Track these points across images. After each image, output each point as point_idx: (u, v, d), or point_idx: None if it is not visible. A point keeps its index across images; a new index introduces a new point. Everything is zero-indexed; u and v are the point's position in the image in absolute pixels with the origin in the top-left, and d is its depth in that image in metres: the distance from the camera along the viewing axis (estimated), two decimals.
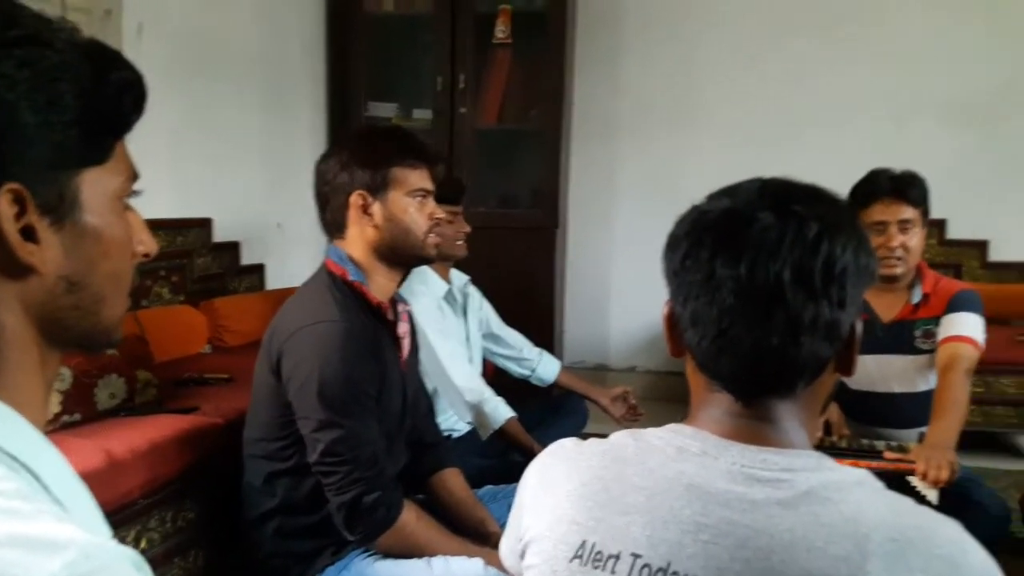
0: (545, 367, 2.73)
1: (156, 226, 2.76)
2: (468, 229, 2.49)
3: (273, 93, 3.47)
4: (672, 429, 0.82)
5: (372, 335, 1.59)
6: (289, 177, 3.40)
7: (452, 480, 1.83)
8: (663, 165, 4.02)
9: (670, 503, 0.75)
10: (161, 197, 2.85)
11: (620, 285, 4.14)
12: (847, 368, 0.83)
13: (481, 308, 2.64)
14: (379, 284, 1.65)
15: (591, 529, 0.78)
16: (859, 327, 0.82)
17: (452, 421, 2.44)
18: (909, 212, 2.29)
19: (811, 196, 0.81)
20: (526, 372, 2.73)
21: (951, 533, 0.73)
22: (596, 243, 4.14)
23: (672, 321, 0.85)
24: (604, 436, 0.86)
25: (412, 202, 1.65)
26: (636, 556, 0.75)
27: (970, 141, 3.72)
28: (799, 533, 0.71)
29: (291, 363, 1.54)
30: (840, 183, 2.43)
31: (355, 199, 1.62)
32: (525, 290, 3.64)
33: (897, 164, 2.55)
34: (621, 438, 0.83)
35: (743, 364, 0.78)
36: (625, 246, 4.11)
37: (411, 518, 1.56)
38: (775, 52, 3.89)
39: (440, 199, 2.33)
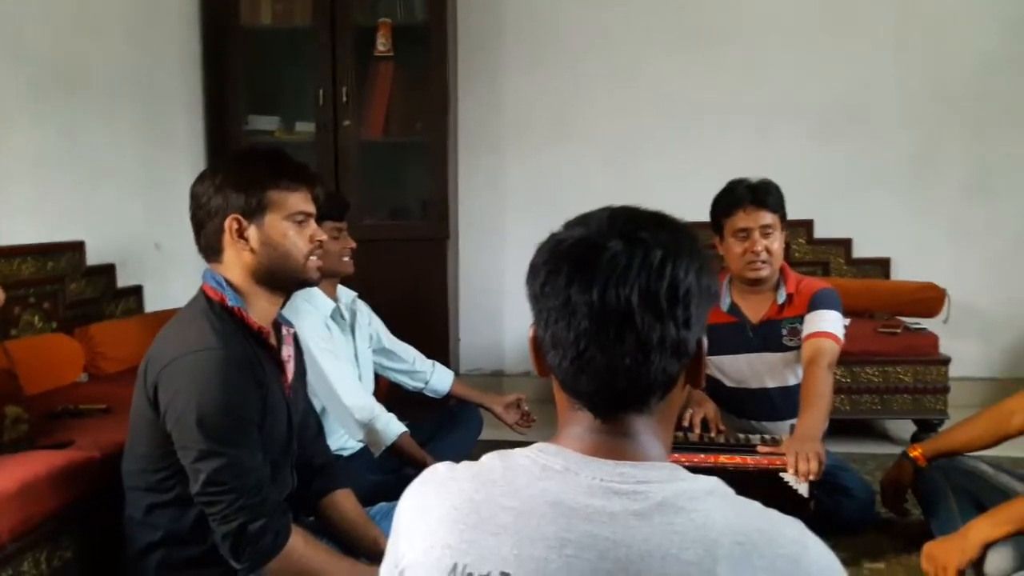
0: (438, 379, 2.75)
1: (23, 252, 2.66)
2: (353, 245, 2.48)
3: (147, 110, 3.37)
4: (538, 448, 0.85)
5: (253, 361, 1.56)
6: (167, 195, 3.30)
7: (343, 501, 1.83)
8: (547, 176, 4.11)
9: (536, 521, 0.78)
10: (28, 222, 2.73)
11: (514, 292, 4.16)
12: (696, 381, 0.89)
13: (370, 324, 2.64)
14: (260, 308, 1.63)
15: (463, 552, 0.80)
16: (704, 343, 0.88)
17: (343, 440, 2.43)
18: (769, 217, 2.44)
19: (656, 223, 0.87)
20: (420, 385, 2.74)
21: (793, 533, 0.79)
22: (488, 252, 4.19)
23: (536, 344, 0.89)
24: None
25: (291, 226, 1.63)
26: (505, 574, 0.77)
27: (832, 147, 3.95)
28: (654, 542, 0.75)
29: (168, 394, 1.51)
30: (714, 191, 2.58)
31: (230, 223, 1.59)
32: (419, 301, 3.65)
33: (766, 171, 2.71)
34: (490, 460, 0.86)
35: (600, 383, 0.83)
36: (517, 253, 4.14)
37: (299, 543, 1.55)
38: (648, 67, 4.03)
39: (324, 216, 2.33)
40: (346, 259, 2.45)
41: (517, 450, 0.86)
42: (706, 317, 0.87)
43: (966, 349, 3.72)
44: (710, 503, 0.79)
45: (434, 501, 0.85)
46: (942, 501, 2.24)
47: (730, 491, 0.82)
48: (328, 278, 2.42)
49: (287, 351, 1.71)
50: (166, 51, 3.54)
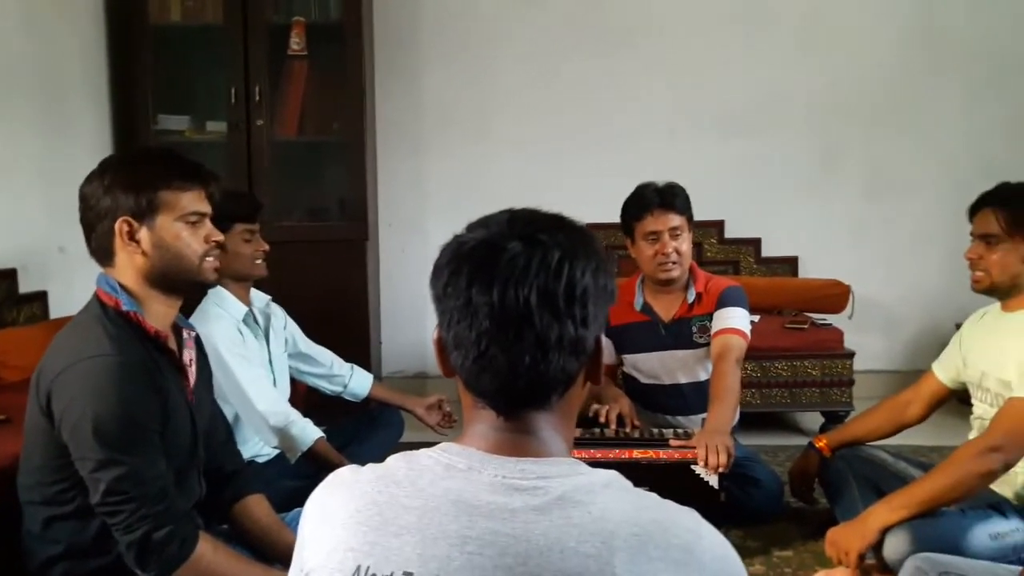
0: (357, 382, 2.72)
1: None
2: (266, 247, 2.43)
3: (49, 109, 3.23)
4: (442, 448, 0.86)
5: (152, 366, 1.52)
6: (71, 198, 3.14)
7: (256, 507, 1.79)
8: (468, 175, 4.12)
9: (439, 519, 0.79)
10: None
11: None
12: (596, 378, 0.91)
13: (285, 327, 2.59)
14: (156, 312, 1.58)
15: (366, 553, 0.80)
16: (603, 341, 0.90)
17: (259, 446, 2.38)
18: (677, 220, 2.51)
19: (555, 225, 0.89)
20: (338, 389, 2.71)
21: (687, 523, 0.81)
22: (410, 252, 4.17)
23: (440, 345, 0.89)
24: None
25: (184, 226, 1.58)
26: (408, 574, 0.78)
27: (741, 149, 4.07)
28: (553, 536, 0.77)
29: (62, 403, 1.46)
30: (631, 191, 2.63)
31: (120, 225, 1.54)
32: (338, 303, 3.61)
33: (679, 173, 2.78)
34: (394, 461, 0.87)
35: (501, 382, 0.84)
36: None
37: (207, 550, 1.52)
38: (566, 67, 4.08)
39: (235, 217, 2.30)
40: (259, 262, 2.40)
41: (421, 450, 0.87)
42: (604, 316, 0.89)
43: (870, 343, 3.88)
44: (607, 496, 0.81)
45: (338, 505, 0.85)
46: (845, 489, 2.34)
47: (627, 483, 0.84)
48: (241, 282, 2.38)
49: (188, 355, 1.67)
50: (69, 47, 3.41)
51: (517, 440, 0.86)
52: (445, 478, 0.82)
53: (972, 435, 2.11)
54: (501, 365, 0.83)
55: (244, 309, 2.37)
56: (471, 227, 0.89)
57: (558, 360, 0.84)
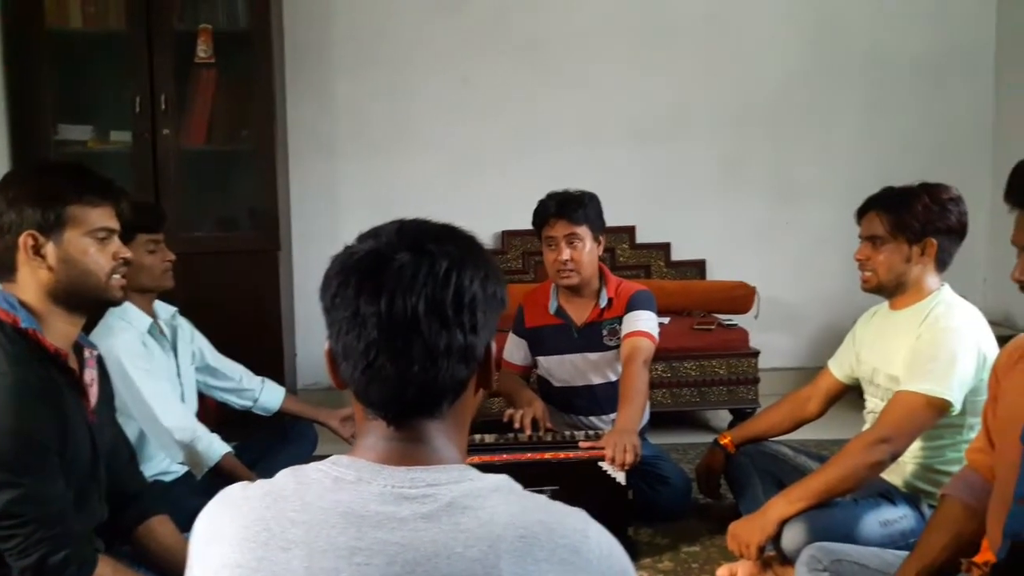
0: (268, 396, 2.68)
1: None
2: (172, 258, 2.39)
3: None
4: (331, 461, 0.86)
5: (50, 386, 1.48)
6: None
7: (159, 528, 1.76)
8: (385, 184, 4.09)
9: (327, 532, 0.80)
10: None
11: None
12: (487, 384, 0.93)
13: (193, 340, 2.54)
14: (58, 330, 1.54)
15: (253, 569, 0.80)
16: (493, 347, 0.92)
17: (165, 463, 2.33)
18: (575, 228, 2.57)
19: (444, 235, 0.90)
20: (248, 403, 2.66)
21: (574, 523, 0.83)
22: (324, 262, 4.01)
23: (331, 356, 0.90)
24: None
25: (92, 242, 1.55)
26: None
27: (652, 157, 4.17)
28: (441, 542, 0.78)
29: None
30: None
31: (25, 240, 1.50)
32: (251, 315, 3.54)
33: (593, 180, 2.85)
34: (283, 477, 0.87)
35: (390, 391, 0.85)
36: None
37: (107, 572, 1.49)
38: (481, 74, 4.11)
39: (138, 228, 2.25)
40: (165, 273, 2.36)
41: (311, 464, 0.87)
42: (495, 323, 0.91)
43: (775, 342, 4.03)
44: (495, 500, 0.82)
45: (227, 522, 0.85)
46: (749, 483, 2.43)
47: (517, 487, 0.86)
48: (145, 293, 2.33)
49: (90, 375, 1.63)
50: None
51: (408, 449, 0.86)
52: (334, 491, 0.83)
53: (866, 428, 2.22)
54: (390, 375, 0.84)
55: (149, 321, 2.32)
56: (361, 238, 0.90)
57: (448, 368, 0.85)
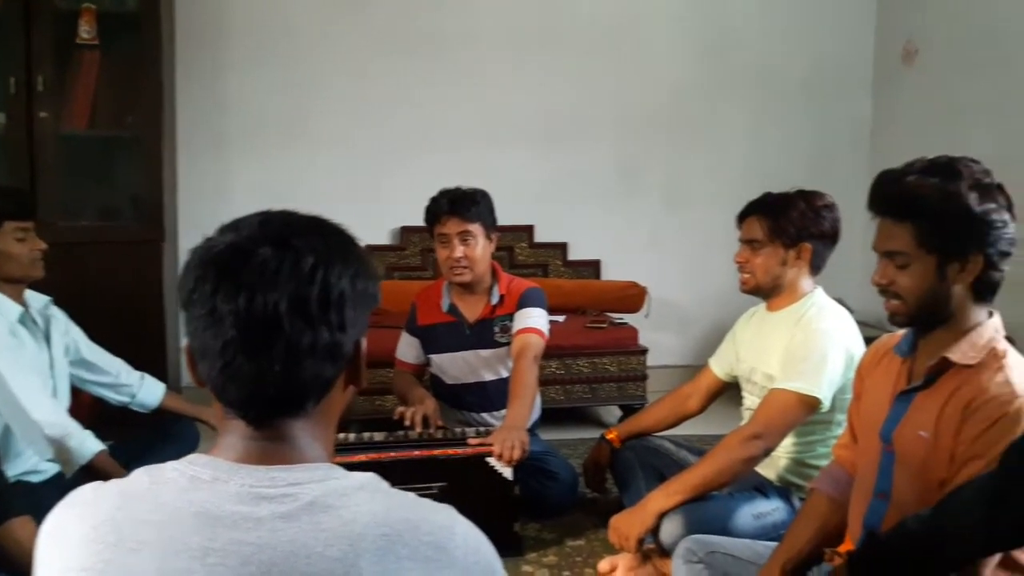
0: (147, 392, 2.58)
1: None
2: (43, 246, 2.27)
3: None
4: (188, 460, 0.84)
5: None
6: None
7: (20, 530, 1.68)
8: (278, 177, 4.00)
9: (180, 532, 0.77)
10: None
11: None
12: (357, 381, 0.91)
13: (67, 332, 2.42)
14: None
15: (100, 572, 0.77)
16: (363, 344, 0.90)
17: (35, 462, 2.21)
18: (467, 226, 2.59)
19: (310, 228, 0.87)
20: (125, 399, 2.55)
21: (441, 520, 0.83)
22: None
23: (190, 354, 0.86)
24: None
25: None
26: None
27: (551, 158, 4.23)
28: (300, 542, 0.77)
29: None
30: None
31: None
32: (133, 308, 3.41)
33: (492, 179, 2.86)
34: (138, 476, 0.83)
35: (249, 391, 0.83)
36: None
37: None
38: (381, 70, 4.07)
39: (6, 215, 2.13)
40: (35, 262, 2.24)
41: (168, 463, 0.84)
42: (365, 319, 0.89)
43: (665, 340, 4.16)
44: (360, 498, 0.81)
45: (74, 524, 0.81)
46: (633, 478, 2.49)
47: (384, 485, 0.85)
48: (14, 283, 2.22)
49: None
50: None
51: (268, 448, 0.84)
52: (189, 490, 0.80)
53: (743, 424, 2.31)
54: (248, 374, 0.81)
55: (19, 309, 2.20)
56: (222, 230, 0.86)
57: (312, 367, 0.83)
